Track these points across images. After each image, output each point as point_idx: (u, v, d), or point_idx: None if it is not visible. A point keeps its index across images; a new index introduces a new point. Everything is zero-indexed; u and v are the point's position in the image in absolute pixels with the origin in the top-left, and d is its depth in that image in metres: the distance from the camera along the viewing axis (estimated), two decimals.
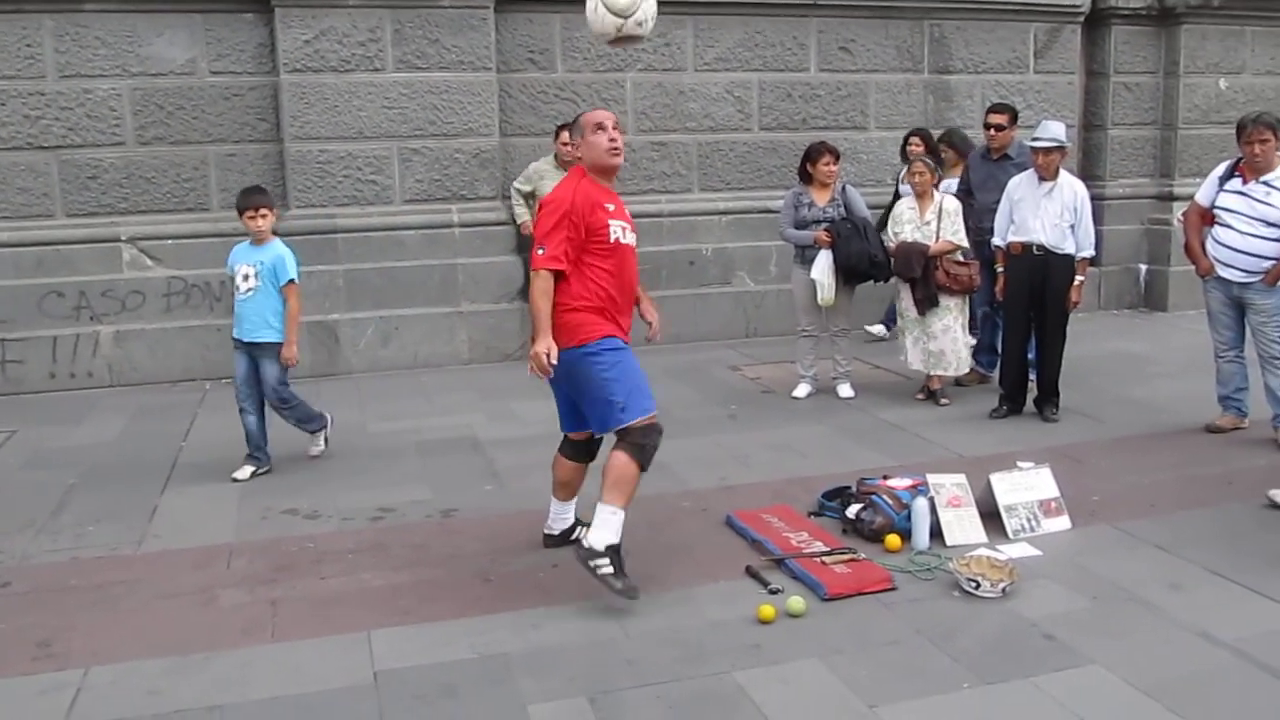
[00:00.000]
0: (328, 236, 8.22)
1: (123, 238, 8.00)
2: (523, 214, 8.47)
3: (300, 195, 8.20)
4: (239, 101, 8.21)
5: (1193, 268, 6.40)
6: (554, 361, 4.11)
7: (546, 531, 4.76)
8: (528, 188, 8.43)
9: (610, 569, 4.08)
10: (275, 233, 5.98)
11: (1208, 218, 6.20)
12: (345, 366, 8.26)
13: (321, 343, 8.21)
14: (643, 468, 4.16)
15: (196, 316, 8.08)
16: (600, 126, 4.28)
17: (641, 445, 4.13)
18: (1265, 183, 5.92)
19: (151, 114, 8.04)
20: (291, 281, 5.83)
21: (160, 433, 6.74)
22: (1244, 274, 6.02)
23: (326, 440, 6.23)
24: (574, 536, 4.71)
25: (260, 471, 5.86)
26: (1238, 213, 6.00)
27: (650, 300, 4.69)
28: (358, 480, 5.78)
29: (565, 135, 8.27)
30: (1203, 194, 6.25)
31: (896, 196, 8.67)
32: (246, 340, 5.83)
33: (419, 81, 8.30)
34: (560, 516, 4.74)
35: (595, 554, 4.09)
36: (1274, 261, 5.91)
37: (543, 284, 4.15)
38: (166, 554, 4.80)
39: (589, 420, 4.32)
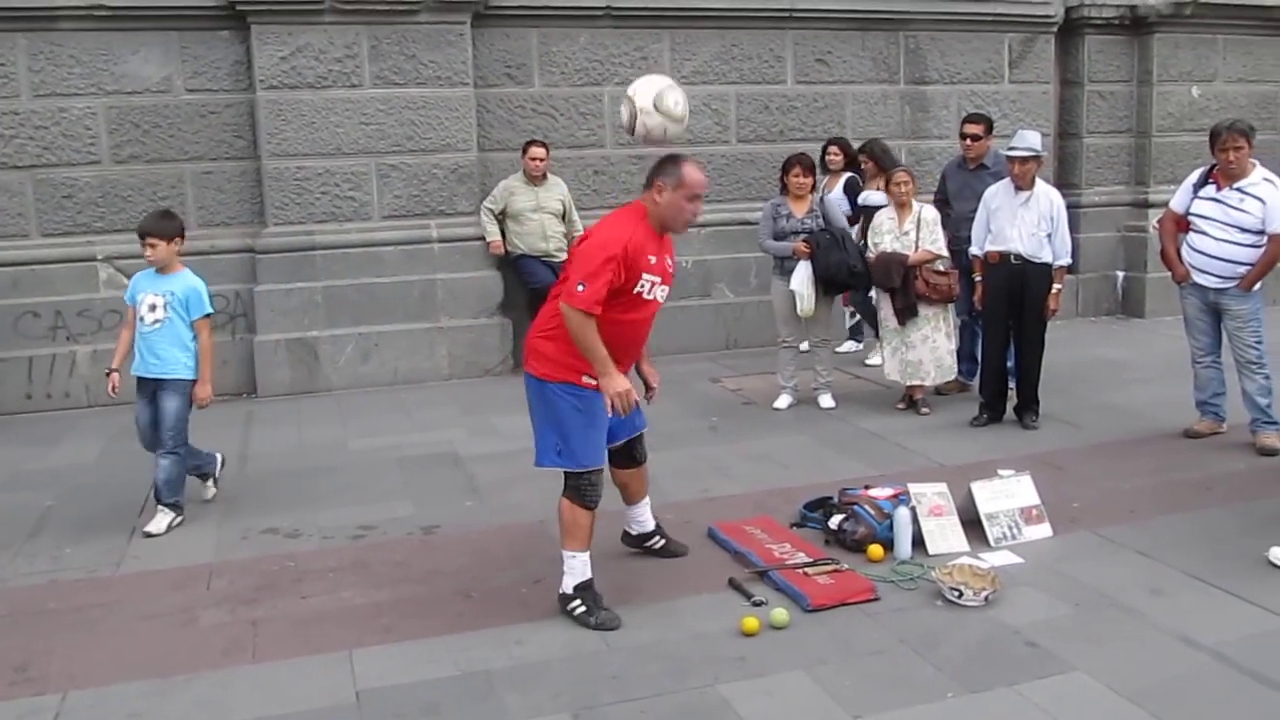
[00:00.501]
0: (306, 253, 8.19)
1: (99, 257, 7.95)
2: (494, 232, 8.46)
3: (278, 212, 8.17)
4: (215, 119, 8.18)
5: (1169, 274, 6.45)
6: (637, 399, 4.14)
7: (625, 529, 4.79)
8: (498, 207, 8.44)
9: (583, 607, 4.12)
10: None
11: (1183, 224, 6.25)
12: (325, 384, 8.23)
13: (301, 360, 8.17)
14: (587, 507, 4.13)
15: None
16: (696, 197, 4.13)
17: (578, 487, 4.12)
18: (1239, 189, 5.97)
19: (127, 132, 8.00)
20: (207, 315, 5.42)
21: (138, 453, 6.63)
22: (1220, 279, 6.06)
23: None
24: (649, 544, 4.77)
25: (176, 523, 5.36)
26: (1212, 219, 6.05)
27: (652, 362, 4.59)
28: (338, 498, 5.74)
29: (534, 150, 8.32)
30: (1177, 201, 6.30)
31: None
32: (154, 377, 5.36)
33: (396, 97, 8.29)
34: (636, 520, 4.76)
35: (567, 598, 4.17)
36: (1249, 267, 5.96)
37: (584, 321, 3.93)
38: (145, 575, 4.76)
39: (536, 450, 4.24)
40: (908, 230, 7.02)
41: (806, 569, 4.45)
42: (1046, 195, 6.60)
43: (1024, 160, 6.48)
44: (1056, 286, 6.62)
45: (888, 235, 7.08)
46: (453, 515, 5.43)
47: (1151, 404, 7.13)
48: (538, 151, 8.35)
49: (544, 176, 8.42)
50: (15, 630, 4.21)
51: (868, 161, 8.37)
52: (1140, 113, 10.73)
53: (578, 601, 4.14)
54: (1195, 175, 6.27)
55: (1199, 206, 6.13)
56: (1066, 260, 6.68)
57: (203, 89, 8.12)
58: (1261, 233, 5.91)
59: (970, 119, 7.64)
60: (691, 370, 8.61)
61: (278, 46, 7.99)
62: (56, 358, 7.84)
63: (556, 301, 4.12)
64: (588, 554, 4.20)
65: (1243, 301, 6.06)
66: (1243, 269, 5.98)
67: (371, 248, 8.35)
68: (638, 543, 4.80)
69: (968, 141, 7.49)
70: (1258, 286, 6.05)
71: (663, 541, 4.80)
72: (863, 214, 8.02)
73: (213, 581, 4.66)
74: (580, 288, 3.93)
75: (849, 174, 8.48)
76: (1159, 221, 6.63)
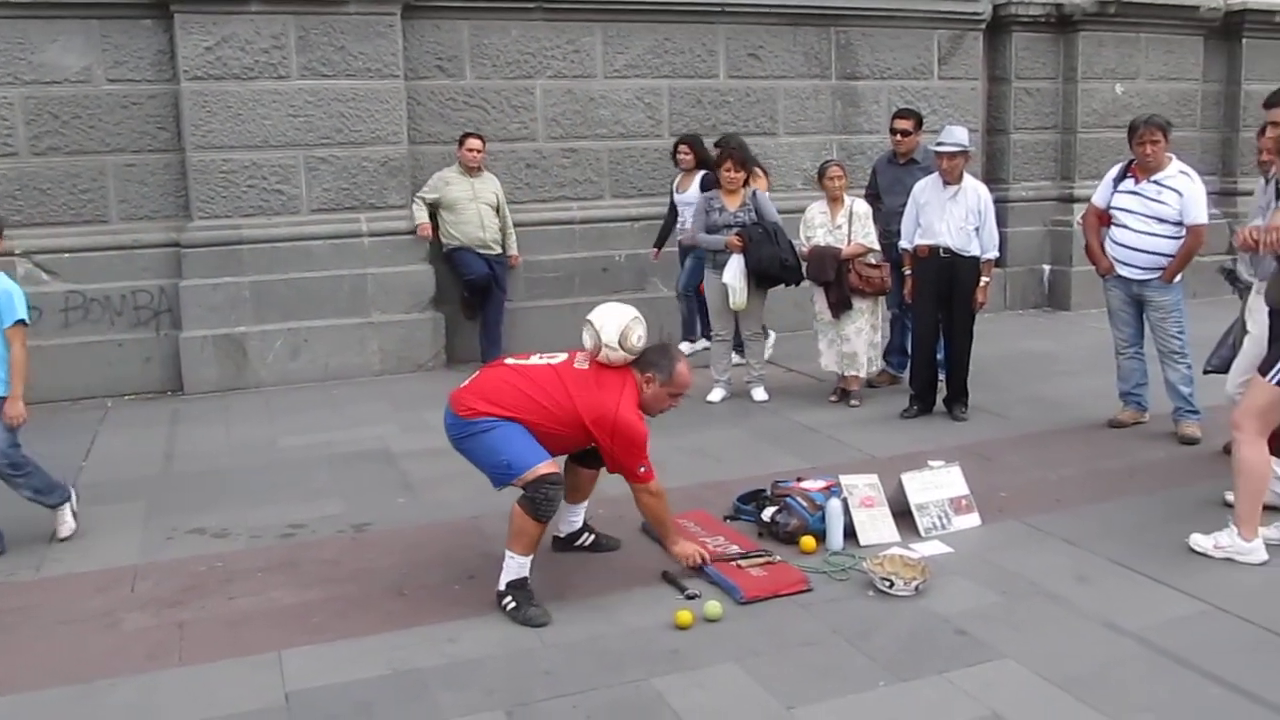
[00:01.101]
0: (233, 248, 8.04)
1: (17, 251, 7.71)
2: (422, 216, 8.39)
3: (204, 206, 8.01)
4: (138, 110, 8.00)
5: (1094, 268, 6.57)
6: (709, 560, 4.41)
7: (555, 534, 4.77)
8: (433, 196, 8.37)
9: (514, 604, 4.13)
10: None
11: (1104, 218, 6.37)
12: (254, 380, 8.09)
13: (228, 356, 8.03)
14: (538, 519, 4.11)
15: (96, 332, 7.85)
16: (680, 395, 4.45)
17: (532, 498, 4.11)
18: (1156, 182, 6.11)
19: (45, 123, 7.78)
20: (20, 323, 4.88)
21: (59, 453, 6.48)
22: (1142, 271, 6.19)
23: (75, 515, 5.13)
24: (579, 543, 4.77)
25: (75, 507, 5.09)
26: (1133, 212, 6.18)
27: None
28: (267, 496, 5.65)
29: (470, 142, 8.28)
30: (1098, 196, 6.43)
31: (672, 206, 8.57)
32: None
33: (325, 89, 8.17)
34: (569, 519, 4.76)
35: (501, 595, 4.18)
36: (1170, 258, 6.09)
37: (658, 496, 4.38)
38: (68, 579, 4.64)
39: (489, 479, 4.32)
40: (840, 224, 7.07)
41: (739, 561, 4.47)
42: (974, 190, 6.69)
43: (952, 155, 6.56)
44: (984, 280, 6.72)
45: (820, 229, 7.13)
46: (384, 513, 5.37)
47: (1077, 395, 7.27)
48: (474, 143, 8.33)
49: (479, 169, 8.39)
50: None
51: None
52: (1066, 109, 10.93)
53: (510, 598, 4.13)
54: (1115, 170, 6.40)
55: (1119, 200, 6.25)
56: (994, 254, 6.78)
57: (124, 79, 7.93)
58: (1180, 224, 6.05)
59: (900, 114, 7.71)
60: None
61: (202, 36, 7.82)
62: None
63: (498, 378, 4.34)
64: (529, 559, 4.18)
65: (1164, 293, 6.19)
66: (1164, 260, 6.11)
67: (300, 242, 8.22)
68: (567, 544, 4.79)
69: (898, 136, 7.56)
70: (1179, 278, 6.19)
71: (592, 538, 4.80)
72: None
73: (137, 584, 4.56)
74: (642, 469, 4.29)
75: (704, 172, 8.25)
76: (1082, 217, 6.75)
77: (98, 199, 7.95)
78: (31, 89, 7.73)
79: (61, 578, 4.65)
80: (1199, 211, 6.05)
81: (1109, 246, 6.33)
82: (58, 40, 7.74)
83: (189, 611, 4.26)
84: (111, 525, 5.26)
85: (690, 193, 8.26)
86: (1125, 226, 6.21)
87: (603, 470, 4.55)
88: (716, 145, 8.10)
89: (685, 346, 8.42)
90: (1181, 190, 6.04)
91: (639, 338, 4.31)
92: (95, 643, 4.01)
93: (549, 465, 4.15)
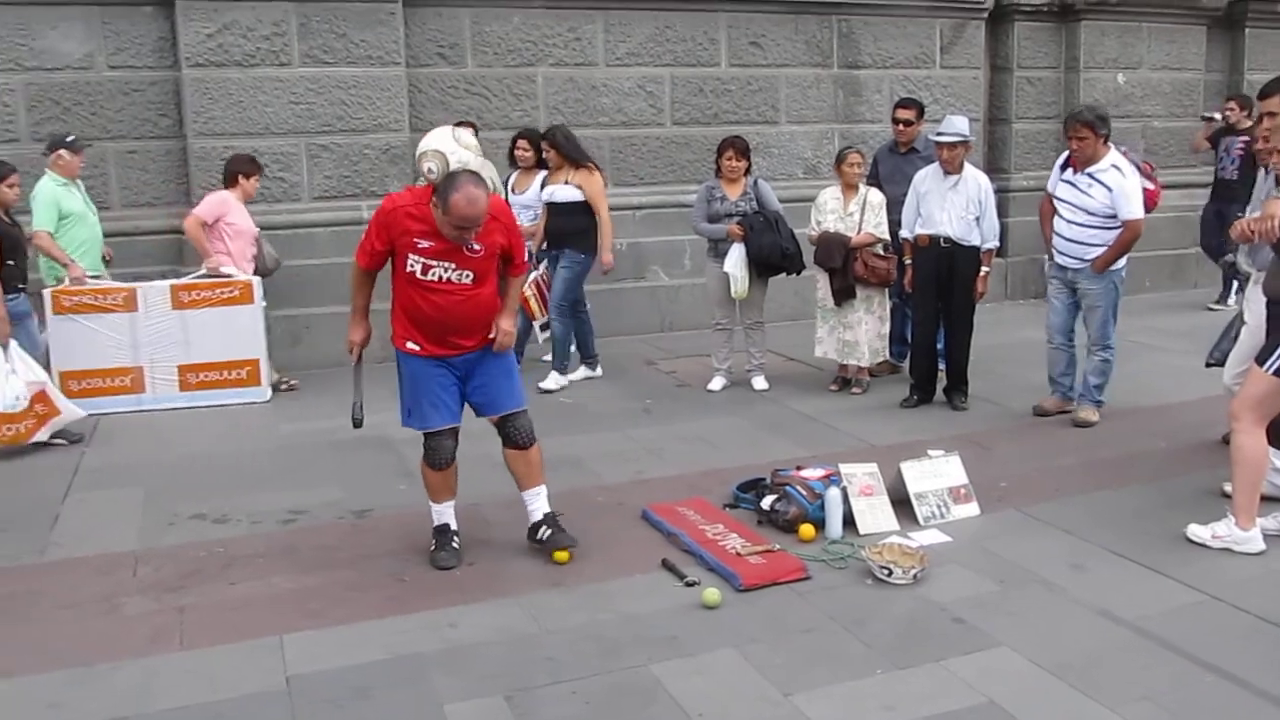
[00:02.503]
0: None
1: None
2: None
3: (204, 193, 7.99)
4: (139, 97, 8.00)
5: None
6: (356, 357, 4.72)
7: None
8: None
9: (433, 546, 4.57)
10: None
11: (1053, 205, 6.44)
12: None
13: None
14: (432, 467, 4.56)
15: None
16: (464, 229, 4.16)
17: (425, 448, 4.55)
18: (1089, 174, 6.14)
19: (47, 109, 7.79)
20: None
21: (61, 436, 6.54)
22: (1074, 260, 6.27)
23: None
24: (538, 536, 4.61)
25: None
26: (1067, 202, 6.25)
27: (511, 317, 4.64)
28: (268, 482, 5.67)
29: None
30: (1049, 182, 6.49)
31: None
32: None
33: (326, 76, 8.16)
34: (529, 510, 4.65)
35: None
36: (1100, 248, 6.13)
37: (355, 270, 4.60)
38: (69, 563, 4.66)
39: None
40: (852, 212, 7.03)
41: (739, 548, 4.49)
42: (975, 179, 6.69)
43: (952, 145, 6.55)
44: (984, 269, 6.72)
45: (831, 215, 7.10)
46: (385, 499, 5.39)
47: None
48: (468, 133, 8.32)
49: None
50: None
51: (549, 150, 7.54)
52: (1068, 99, 10.88)
53: (432, 542, 4.56)
54: (1062, 157, 6.46)
55: (1059, 189, 6.34)
56: (994, 243, 6.79)
57: (125, 66, 7.94)
58: (1111, 216, 6.08)
59: (902, 104, 7.70)
60: (626, 353, 8.61)
61: (203, 23, 7.82)
62: None
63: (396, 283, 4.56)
64: (445, 505, 4.60)
65: (1094, 282, 6.22)
66: (1093, 251, 6.14)
67: (301, 229, 8.23)
68: (531, 535, 4.63)
69: (900, 126, 7.55)
70: (1119, 267, 6.21)
71: (550, 532, 4.57)
72: (548, 210, 7.52)
73: (139, 568, 4.58)
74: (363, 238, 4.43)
75: (544, 172, 7.69)
76: (1041, 203, 6.79)
77: (99, 185, 7.94)
78: (33, 75, 7.74)
79: (63, 562, 4.67)
80: (1131, 206, 6.06)
81: (1053, 235, 6.38)
82: (58, 27, 7.74)
83: (190, 596, 4.28)
84: (112, 510, 5.28)
85: (529, 194, 7.66)
86: (1060, 216, 6.30)
87: (536, 455, 4.62)
88: (543, 137, 7.67)
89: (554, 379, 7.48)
90: (1111, 185, 6.06)
91: (429, 170, 4.24)
92: (97, 627, 4.04)
93: (435, 429, 4.50)
